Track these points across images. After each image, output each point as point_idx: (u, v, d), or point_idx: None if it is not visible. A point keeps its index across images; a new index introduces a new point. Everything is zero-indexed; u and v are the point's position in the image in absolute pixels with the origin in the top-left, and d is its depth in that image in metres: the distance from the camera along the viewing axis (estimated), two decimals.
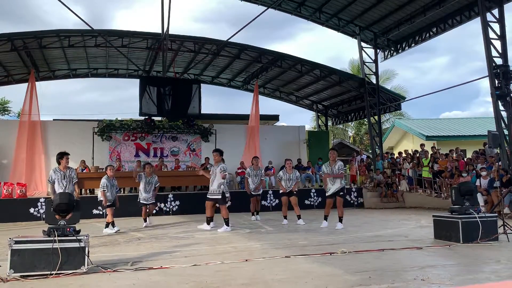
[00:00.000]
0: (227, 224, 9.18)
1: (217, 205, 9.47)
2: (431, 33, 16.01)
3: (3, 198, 12.88)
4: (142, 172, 10.85)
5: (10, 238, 5.07)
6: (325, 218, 9.53)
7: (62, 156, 8.00)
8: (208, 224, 9.50)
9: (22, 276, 4.89)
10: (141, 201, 10.61)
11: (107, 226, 9.52)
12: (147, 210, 10.70)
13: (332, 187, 9.33)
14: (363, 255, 5.93)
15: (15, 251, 4.99)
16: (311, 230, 9.00)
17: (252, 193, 11.26)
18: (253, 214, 11.50)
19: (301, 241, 7.41)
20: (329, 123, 23.19)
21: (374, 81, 18.10)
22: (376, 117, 18.48)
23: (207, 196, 9.49)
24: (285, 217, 10.55)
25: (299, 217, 10.34)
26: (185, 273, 5.01)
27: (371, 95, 17.89)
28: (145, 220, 10.63)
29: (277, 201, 14.45)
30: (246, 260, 5.66)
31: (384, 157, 18.52)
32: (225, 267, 5.31)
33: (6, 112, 30.86)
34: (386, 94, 18.66)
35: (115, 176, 10.14)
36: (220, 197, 9.28)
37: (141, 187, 10.57)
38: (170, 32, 14.72)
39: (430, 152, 16.35)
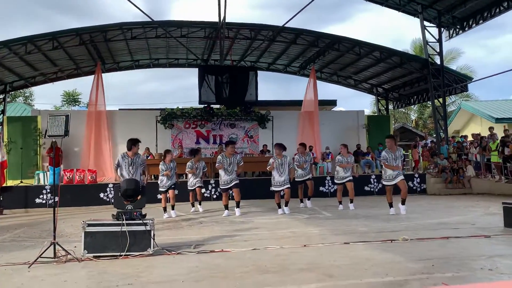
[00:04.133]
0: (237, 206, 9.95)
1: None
2: (501, 8, 14.86)
3: (76, 184, 13.81)
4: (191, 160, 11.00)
5: (83, 221, 5.44)
6: (391, 205, 9.28)
7: (135, 143, 7.74)
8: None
9: (94, 257, 5.25)
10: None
11: (165, 211, 9.91)
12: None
13: (394, 173, 9.11)
14: (426, 242, 5.75)
15: (88, 233, 5.36)
16: (371, 217, 8.85)
17: (296, 179, 11.07)
18: (301, 201, 11.38)
19: (361, 228, 7.32)
20: (390, 107, 22.44)
21: (438, 61, 17.22)
22: (440, 100, 17.63)
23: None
24: (340, 203, 10.68)
25: (351, 201, 10.52)
26: (245, 257, 5.13)
27: (435, 76, 17.06)
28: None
29: (335, 187, 14.30)
30: (305, 246, 5.69)
31: (449, 141, 17.67)
32: (284, 251, 5.38)
33: (77, 103, 32.92)
34: (451, 75, 17.72)
35: (178, 162, 10.48)
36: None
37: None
38: (226, 20, 14.88)
39: (502, 134, 15.35)
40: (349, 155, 10.89)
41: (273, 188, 10.11)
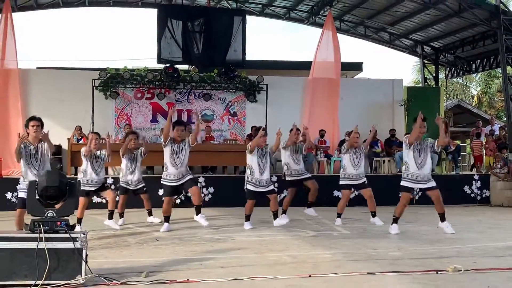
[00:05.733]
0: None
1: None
2: None
3: None
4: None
5: None
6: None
7: (27, 122, 7.95)
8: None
9: None
10: (122, 185, 10.91)
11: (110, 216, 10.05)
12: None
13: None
14: (487, 275, 5.83)
15: None
16: (408, 236, 8.94)
17: (288, 178, 11.07)
18: (284, 213, 11.13)
19: (392, 251, 7.39)
20: (441, 76, 22.54)
21: None
22: None
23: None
24: (339, 215, 10.75)
25: (373, 214, 10.58)
26: None
27: (509, 31, 17.14)
28: (122, 216, 10.80)
29: (355, 192, 14.40)
30: (310, 276, 5.73)
31: None
32: (278, 284, 5.42)
33: None
34: None
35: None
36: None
37: (124, 164, 10.77)
38: None
39: None
40: (362, 146, 10.78)
41: (248, 187, 9.94)
